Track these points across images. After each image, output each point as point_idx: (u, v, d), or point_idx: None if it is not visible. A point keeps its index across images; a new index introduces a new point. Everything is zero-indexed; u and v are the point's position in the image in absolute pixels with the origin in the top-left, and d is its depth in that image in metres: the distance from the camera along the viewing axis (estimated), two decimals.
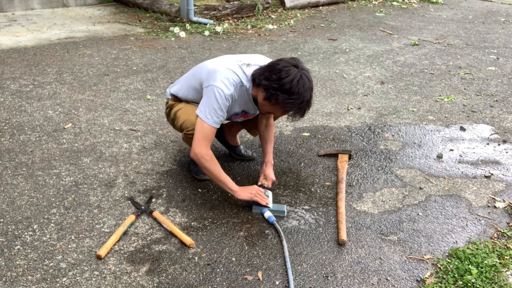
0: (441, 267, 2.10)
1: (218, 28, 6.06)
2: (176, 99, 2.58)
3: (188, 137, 2.44)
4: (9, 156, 2.83)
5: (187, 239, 2.15)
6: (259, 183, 2.57)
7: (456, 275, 2.04)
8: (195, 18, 6.27)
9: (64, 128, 3.22)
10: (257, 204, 2.42)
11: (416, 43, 6.08)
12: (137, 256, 2.08)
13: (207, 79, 2.31)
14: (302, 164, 2.96)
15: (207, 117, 2.27)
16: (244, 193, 2.39)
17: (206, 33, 5.93)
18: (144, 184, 2.62)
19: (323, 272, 2.05)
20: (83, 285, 1.90)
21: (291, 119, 2.32)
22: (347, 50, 5.62)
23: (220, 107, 2.26)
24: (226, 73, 2.28)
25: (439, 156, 3.15)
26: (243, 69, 2.32)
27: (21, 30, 5.67)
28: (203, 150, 2.31)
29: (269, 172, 2.60)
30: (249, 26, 6.47)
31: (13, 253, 2.04)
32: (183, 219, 2.35)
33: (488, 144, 3.37)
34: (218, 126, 2.33)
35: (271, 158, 2.66)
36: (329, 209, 2.49)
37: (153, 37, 5.67)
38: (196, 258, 2.09)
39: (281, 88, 2.15)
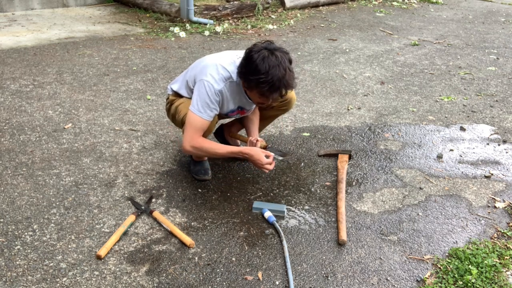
0: (441, 267, 2.10)
1: (218, 28, 6.06)
2: (177, 95, 2.58)
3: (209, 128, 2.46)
4: (9, 156, 2.83)
5: (187, 239, 2.15)
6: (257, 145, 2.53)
7: (456, 275, 2.04)
8: (195, 18, 6.26)
9: (64, 128, 3.22)
10: (258, 200, 2.43)
11: (416, 43, 6.08)
12: (137, 256, 2.08)
13: (199, 74, 2.36)
14: (302, 164, 2.96)
15: (200, 111, 2.30)
16: (254, 151, 2.36)
17: (206, 33, 5.93)
18: (144, 184, 2.62)
19: (323, 272, 2.05)
20: (83, 285, 1.90)
21: (277, 99, 2.29)
22: (347, 50, 5.62)
23: (211, 100, 2.30)
24: (217, 68, 2.32)
25: (439, 156, 3.15)
26: (237, 63, 2.33)
27: (21, 30, 5.67)
28: (196, 141, 2.33)
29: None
30: (249, 26, 6.47)
31: (13, 253, 2.04)
32: (183, 219, 2.35)
33: (488, 144, 3.37)
34: (212, 119, 2.35)
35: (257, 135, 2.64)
36: (329, 209, 2.49)
37: (153, 37, 5.67)
38: (196, 258, 2.09)
39: (249, 69, 2.16)
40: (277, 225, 2.30)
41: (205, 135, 2.44)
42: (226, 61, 2.35)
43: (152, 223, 2.30)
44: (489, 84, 4.63)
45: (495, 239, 2.34)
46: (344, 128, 3.51)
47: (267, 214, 2.36)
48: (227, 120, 2.98)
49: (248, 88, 2.26)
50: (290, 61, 2.23)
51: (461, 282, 2.00)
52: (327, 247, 2.21)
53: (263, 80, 2.13)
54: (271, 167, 2.39)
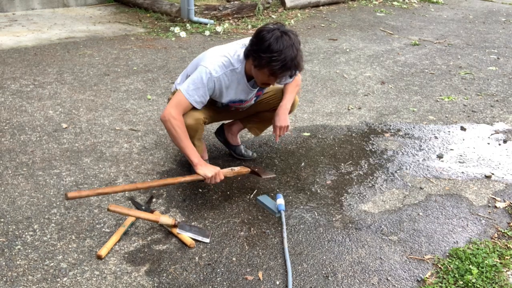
0: (442, 267, 2.10)
1: (219, 28, 6.06)
2: None
3: (189, 128, 2.44)
4: (9, 156, 2.83)
5: (188, 239, 2.15)
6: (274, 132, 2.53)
7: (456, 275, 2.04)
8: (195, 18, 6.27)
9: (65, 128, 3.23)
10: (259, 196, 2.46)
11: (417, 43, 6.08)
12: (138, 256, 2.08)
13: (201, 62, 2.38)
14: (302, 164, 2.96)
15: (189, 93, 2.30)
16: (202, 169, 2.33)
17: (207, 33, 5.93)
18: None
19: (323, 272, 2.05)
20: (84, 285, 1.90)
21: (284, 79, 2.30)
22: (348, 50, 5.62)
23: (204, 87, 2.30)
24: (218, 56, 2.34)
25: (440, 156, 3.15)
26: (238, 52, 2.35)
27: (21, 30, 5.67)
28: (172, 113, 2.28)
29: (282, 113, 2.51)
30: (249, 26, 6.47)
31: (13, 253, 2.04)
32: (183, 219, 2.35)
33: (488, 144, 3.37)
34: (197, 106, 2.34)
35: (286, 102, 2.55)
36: (329, 209, 2.49)
37: (154, 37, 5.67)
38: (197, 258, 2.09)
39: (262, 48, 2.17)
40: (283, 214, 2.34)
41: (197, 135, 2.45)
42: (229, 51, 2.37)
43: (152, 223, 2.30)
44: (489, 84, 4.63)
45: (496, 239, 2.34)
46: (345, 127, 3.51)
47: (280, 200, 2.41)
48: (227, 120, 2.97)
49: (258, 66, 2.22)
50: (299, 43, 2.26)
51: (461, 282, 2.00)
52: (328, 247, 2.21)
53: (276, 58, 2.14)
54: (214, 179, 2.33)
